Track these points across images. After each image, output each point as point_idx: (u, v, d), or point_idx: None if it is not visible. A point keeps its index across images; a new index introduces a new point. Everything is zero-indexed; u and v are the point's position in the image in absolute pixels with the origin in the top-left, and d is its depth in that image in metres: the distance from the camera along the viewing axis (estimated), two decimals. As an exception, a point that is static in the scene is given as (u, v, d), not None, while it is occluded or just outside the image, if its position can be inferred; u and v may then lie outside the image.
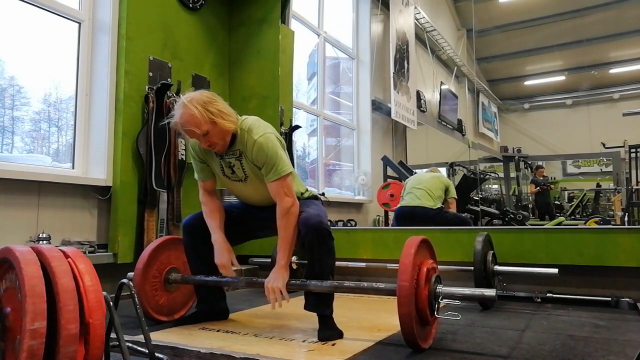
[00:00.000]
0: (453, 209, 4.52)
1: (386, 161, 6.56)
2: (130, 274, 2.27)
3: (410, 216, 4.26)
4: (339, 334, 1.98)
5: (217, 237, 2.15)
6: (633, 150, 7.07)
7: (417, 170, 6.20)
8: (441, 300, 1.79)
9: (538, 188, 8.54)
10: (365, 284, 1.97)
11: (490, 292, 1.81)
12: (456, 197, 4.60)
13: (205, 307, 2.32)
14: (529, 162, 9.25)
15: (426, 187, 4.37)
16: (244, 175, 2.12)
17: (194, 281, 2.30)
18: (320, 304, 2.04)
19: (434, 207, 4.29)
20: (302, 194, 2.23)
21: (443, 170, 7.22)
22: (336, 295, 2.09)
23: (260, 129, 2.04)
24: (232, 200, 2.47)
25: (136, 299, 1.49)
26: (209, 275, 2.24)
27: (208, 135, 1.96)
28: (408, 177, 4.96)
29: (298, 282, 2.03)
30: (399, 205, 4.48)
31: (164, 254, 2.33)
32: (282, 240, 2.02)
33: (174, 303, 2.36)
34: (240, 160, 2.09)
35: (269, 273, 3.44)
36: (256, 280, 2.15)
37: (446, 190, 4.46)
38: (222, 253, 2.13)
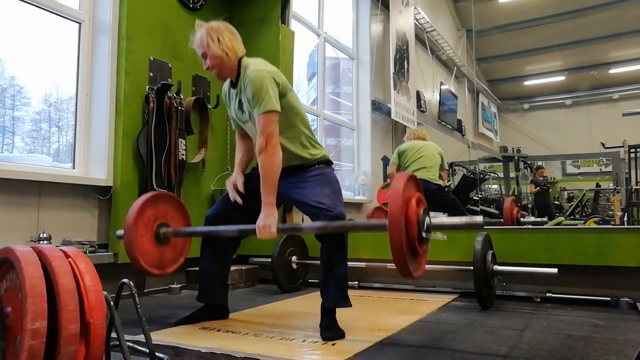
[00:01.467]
0: (444, 179, 4.48)
1: (386, 161, 6.56)
2: (119, 232, 2.27)
3: None
4: (341, 334, 1.99)
5: (234, 173, 2.32)
6: (632, 150, 7.07)
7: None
8: (431, 228, 1.76)
9: (538, 188, 8.54)
10: (356, 221, 1.99)
11: (478, 218, 1.78)
12: (447, 168, 4.56)
13: (206, 302, 2.33)
14: (529, 162, 9.25)
15: (426, 156, 4.26)
16: (249, 113, 2.16)
17: (185, 233, 2.33)
18: (336, 299, 2.05)
19: (435, 181, 4.21)
20: (313, 155, 2.21)
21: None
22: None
23: (256, 66, 2.10)
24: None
25: (137, 298, 1.49)
26: (219, 269, 2.29)
27: (207, 57, 2.12)
28: (399, 146, 4.81)
29: (288, 226, 2.03)
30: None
31: (154, 208, 2.29)
32: (262, 179, 2.04)
33: (164, 257, 2.33)
34: (244, 97, 2.16)
35: (269, 272, 3.45)
36: (248, 227, 2.14)
37: (441, 160, 4.38)
38: (234, 176, 2.28)
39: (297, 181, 2.16)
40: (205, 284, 2.34)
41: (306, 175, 2.18)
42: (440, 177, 4.38)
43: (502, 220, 5.63)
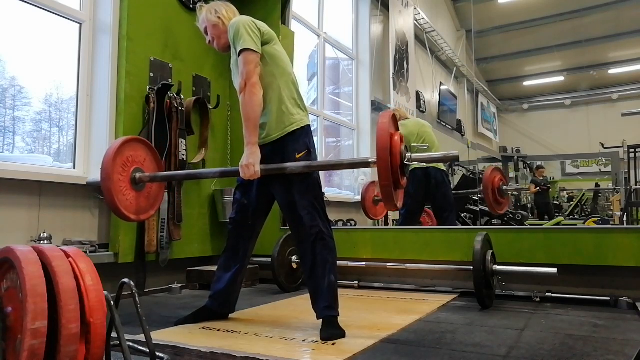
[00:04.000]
0: None
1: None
2: (91, 179, 2.25)
3: (425, 179, 3.99)
4: (341, 334, 1.99)
5: None
6: (632, 150, 7.06)
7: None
8: (411, 160, 1.89)
9: (538, 188, 8.54)
10: (341, 159, 2.08)
11: (453, 152, 1.93)
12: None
13: (213, 306, 2.33)
14: (528, 162, 9.25)
15: (429, 141, 4.01)
16: (232, 69, 2.24)
17: (161, 177, 2.34)
18: (326, 309, 2.04)
19: (442, 168, 4.06)
20: (285, 127, 2.14)
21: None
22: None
23: (235, 19, 2.18)
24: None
25: (137, 298, 1.50)
26: (231, 269, 2.28)
27: (208, 32, 2.27)
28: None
29: (272, 166, 2.05)
30: (411, 168, 4.20)
31: (131, 151, 2.25)
32: (243, 119, 2.06)
33: (139, 204, 2.30)
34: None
35: (270, 272, 3.45)
36: (231, 169, 2.14)
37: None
38: None
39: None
40: (218, 287, 2.33)
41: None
42: None
43: (501, 219, 5.64)
